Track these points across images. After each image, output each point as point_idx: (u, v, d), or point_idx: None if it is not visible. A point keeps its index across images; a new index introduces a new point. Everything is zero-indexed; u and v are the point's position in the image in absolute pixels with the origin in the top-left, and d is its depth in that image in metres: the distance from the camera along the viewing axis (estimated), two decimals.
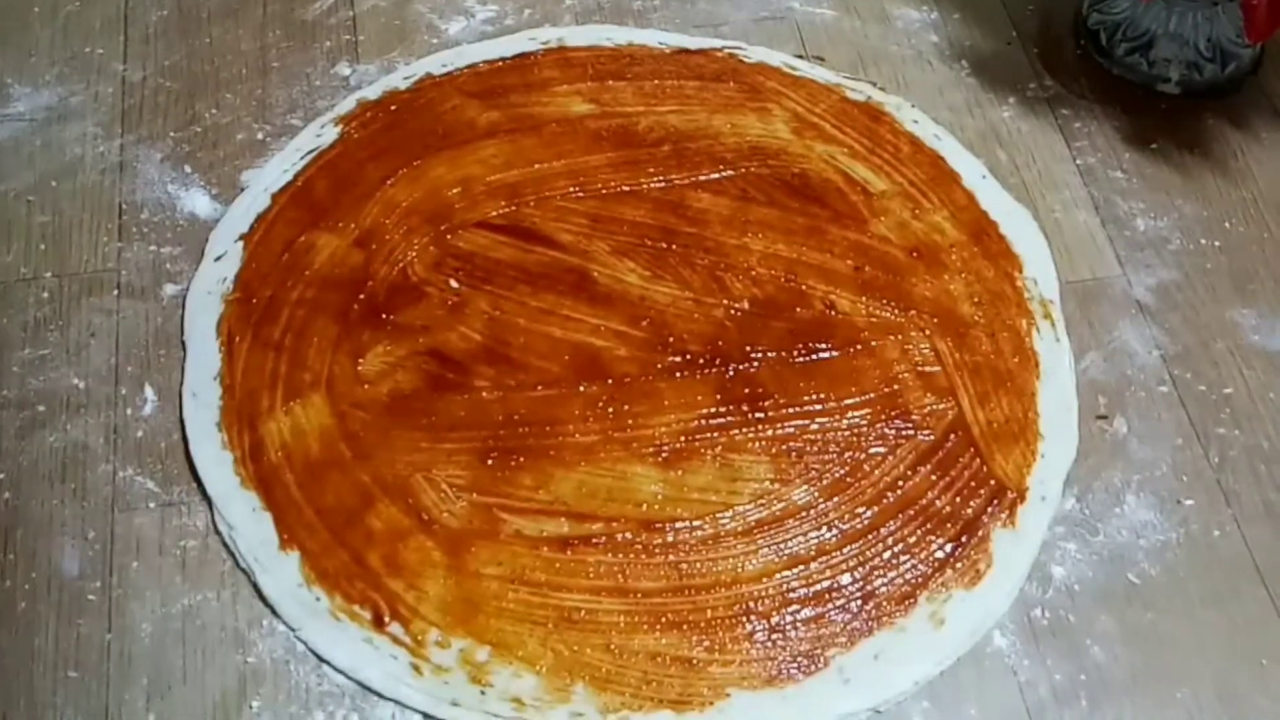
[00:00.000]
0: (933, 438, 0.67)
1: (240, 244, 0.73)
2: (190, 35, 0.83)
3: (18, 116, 0.79)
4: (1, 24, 0.83)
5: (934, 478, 0.66)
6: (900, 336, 0.71)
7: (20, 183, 0.76)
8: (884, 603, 0.62)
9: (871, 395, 0.68)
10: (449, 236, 0.73)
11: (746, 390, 0.68)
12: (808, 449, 0.66)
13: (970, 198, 0.77)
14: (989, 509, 0.65)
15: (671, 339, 0.69)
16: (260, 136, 0.78)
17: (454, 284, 0.71)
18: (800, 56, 0.83)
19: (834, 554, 0.63)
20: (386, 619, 0.61)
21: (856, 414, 0.68)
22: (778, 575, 0.63)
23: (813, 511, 0.65)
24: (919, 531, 0.64)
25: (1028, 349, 0.71)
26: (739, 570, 0.63)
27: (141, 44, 0.83)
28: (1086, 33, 0.85)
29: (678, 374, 0.68)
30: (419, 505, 0.64)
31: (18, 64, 0.81)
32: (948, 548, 0.64)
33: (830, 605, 0.62)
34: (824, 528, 0.64)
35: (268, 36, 0.83)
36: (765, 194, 0.76)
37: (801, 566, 0.63)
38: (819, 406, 0.68)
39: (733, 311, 0.71)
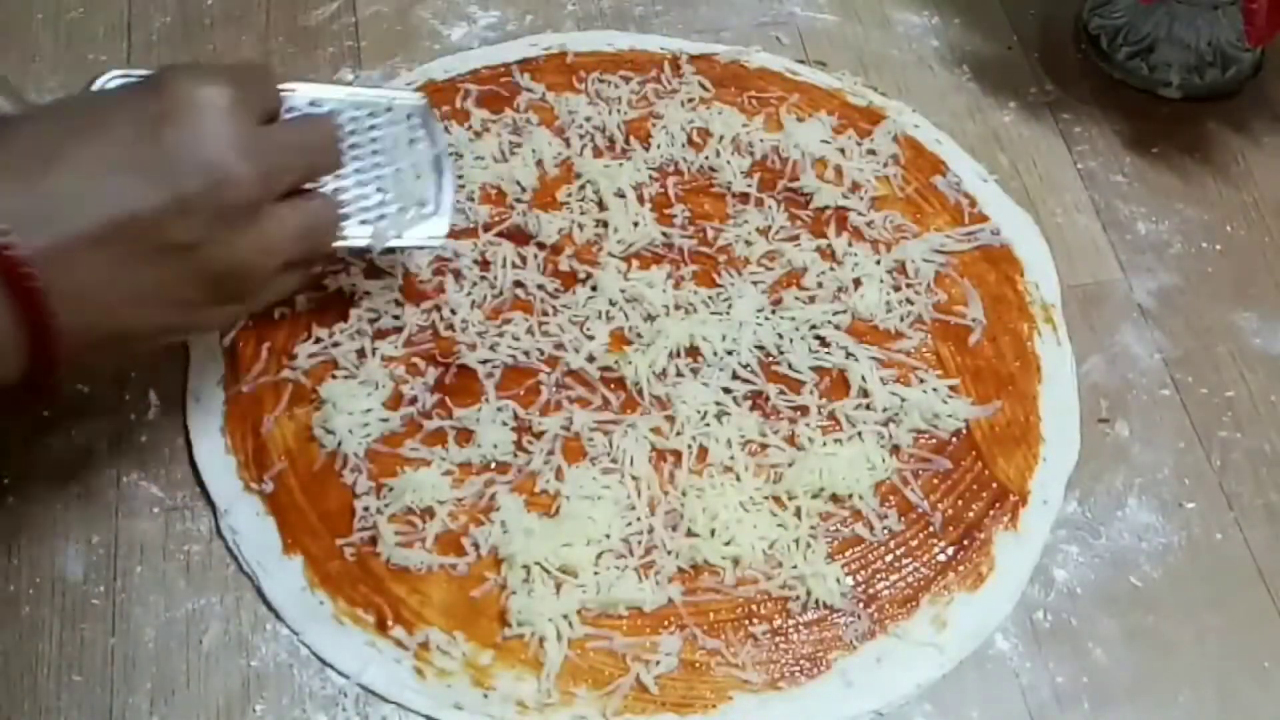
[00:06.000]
0: (934, 441, 0.68)
1: None
2: (193, 41, 0.84)
3: None
4: (4, 29, 0.84)
5: (935, 481, 0.66)
6: (903, 340, 0.71)
7: None
8: (886, 606, 0.62)
9: None
10: (453, 239, 0.73)
11: (748, 393, 0.68)
12: None
13: (972, 201, 0.77)
14: (991, 512, 0.66)
15: (675, 342, 0.69)
16: None
17: None
18: (802, 61, 0.84)
19: (836, 557, 0.63)
20: (390, 622, 0.61)
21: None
22: (780, 578, 0.63)
23: (815, 514, 0.65)
24: (921, 535, 0.64)
25: (1029, 353, 0.71)
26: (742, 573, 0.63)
27: (145, 50, 0.83)
28: (1087, 37, 0.85)
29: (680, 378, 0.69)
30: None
31: (20, 70, 0.81)
32: (950, 551, 0.64)
33: (833, 608, 0.62)
34: (826, 531, 0.64)
35: (270, 43, 0.84)
36: (768, 197, 0.76)
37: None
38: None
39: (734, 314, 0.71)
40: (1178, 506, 0.67)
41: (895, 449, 0.67)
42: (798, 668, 0.61)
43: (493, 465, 0.65)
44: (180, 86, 0.53)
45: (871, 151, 0.78)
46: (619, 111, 0.79)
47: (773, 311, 0.71)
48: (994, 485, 0.66)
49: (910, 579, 0.63)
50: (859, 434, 0.67)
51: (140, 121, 0.52)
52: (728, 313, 0.70)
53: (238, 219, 0.54)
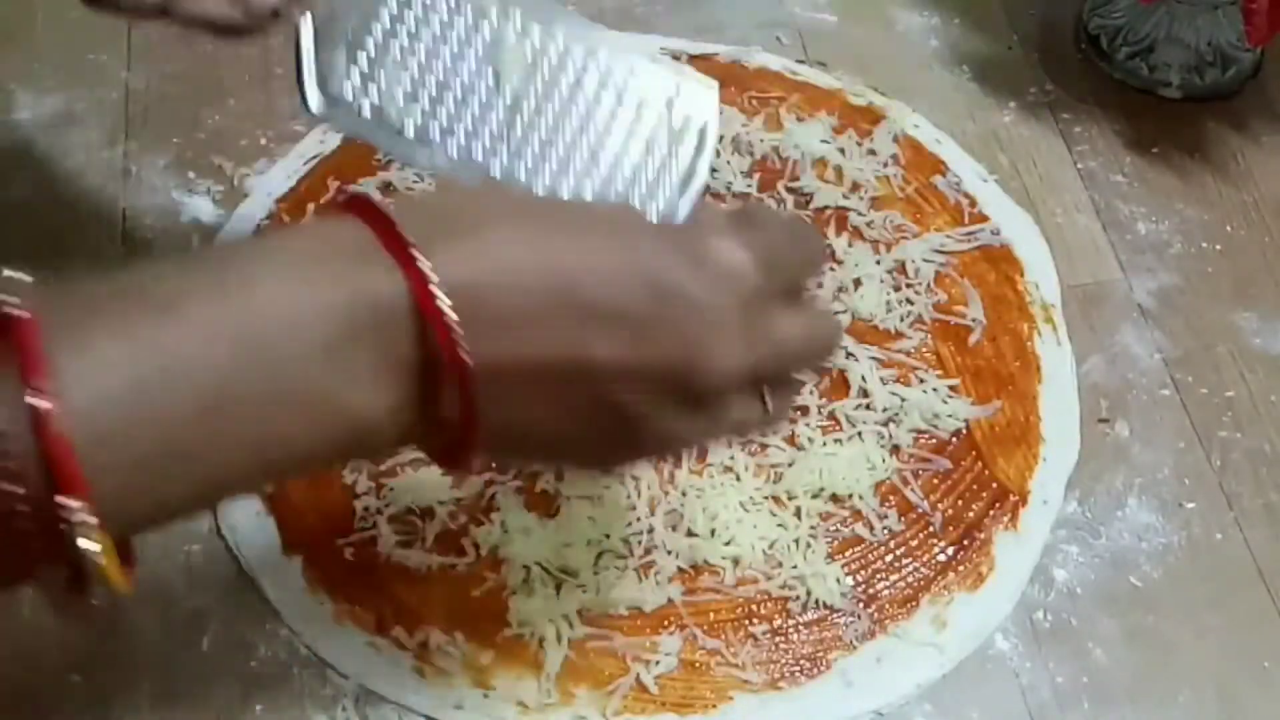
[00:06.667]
0: (935, 441, 0.68)
1: None
2: (193, 42, 0.83)
3: (21, 123, 0.79)
4: (5, 30, 0.84)
5: (935, 481, 0.66)
6: (903, 340, 0.71)
7: (23, 189, 0.76)
8: (886, 606, 0.62)
9: None
10: None
11: None
12: None
13: (972, 201, 0.77)
14: (991, 512, 0.66)
15: None
16: (264, 142, 0.79)
17: None
18: (802, 61, 0.84)
19: (836, 557, 0.63)
20: (390, 622, 0.61)
21: None
22: (780, 578, 0.63)
23: (815, 514, 0.65)
24: (921, 535, 0.64)
25: (1029, 353, 0.71)
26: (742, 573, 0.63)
27: (145, 50, 0.83)
28: (1087, 37, 0.85)
29: None
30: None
31: (22, 70, 0.81)
32: (950, 551, 0.64)
33: (833, 608, 0.62)
34: (826, 531, 0.64)
35: (271, 42, 0.83)
36: (768, 197, 0.76)
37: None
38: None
39: None
40: (1178, 506, 0.67)
41: (895, 449, 0.67)
42: (798, 668, 0.61)
43: (492, 465, 0.65)
44: (707, 244, 0.46)
45: (871, 151, 0.78)
46: None
47: None
48: (994, 485, 0.66)
49: (910, 579, 0.63)
50: (859, 434, 0.67)
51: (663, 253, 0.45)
52: None
53: (694, 405, 0.46)
